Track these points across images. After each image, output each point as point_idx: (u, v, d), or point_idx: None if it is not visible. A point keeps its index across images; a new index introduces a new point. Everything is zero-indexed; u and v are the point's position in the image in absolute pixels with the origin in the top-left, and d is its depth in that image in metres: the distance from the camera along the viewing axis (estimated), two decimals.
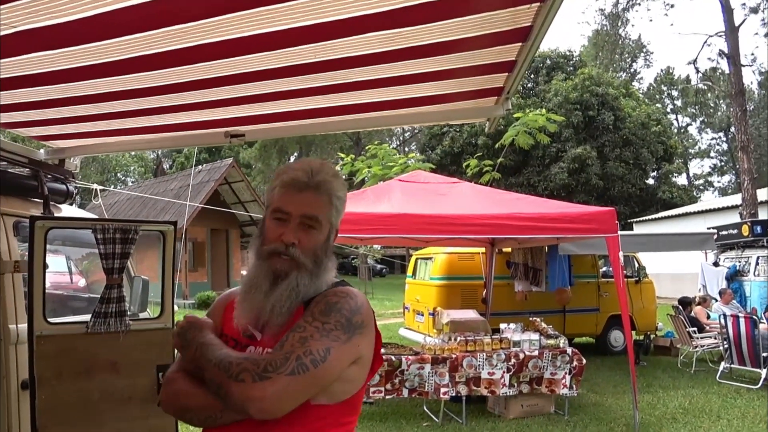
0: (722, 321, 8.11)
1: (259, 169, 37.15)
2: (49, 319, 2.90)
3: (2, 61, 2.19)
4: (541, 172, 28.84)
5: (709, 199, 38.90)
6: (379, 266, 37.14)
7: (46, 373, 2.85)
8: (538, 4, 1.83)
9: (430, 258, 9.75)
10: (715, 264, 12.85)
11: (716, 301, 10.48)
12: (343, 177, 1.70)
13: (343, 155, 14.39)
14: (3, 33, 1.93)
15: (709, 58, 50.96)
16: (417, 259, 10.62)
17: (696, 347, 8.82)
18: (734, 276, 12.03)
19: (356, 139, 35.73)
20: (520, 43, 2.13)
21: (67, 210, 3.72)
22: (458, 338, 6.11)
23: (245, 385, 1.19)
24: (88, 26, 1.88)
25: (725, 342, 8.09)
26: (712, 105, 46.90)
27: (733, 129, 42.76)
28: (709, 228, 13.29)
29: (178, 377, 1.37)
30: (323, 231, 1.40)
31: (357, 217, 5.53)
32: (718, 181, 49.07)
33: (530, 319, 7.04)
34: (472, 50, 2.17)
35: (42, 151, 3.50)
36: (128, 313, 3.15)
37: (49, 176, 3.45)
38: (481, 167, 12.16)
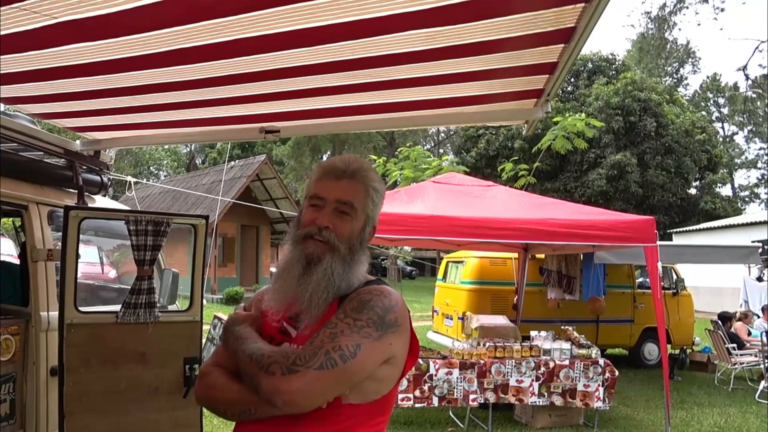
0: (764, 338, 7.84)
1: (291, 166, 37.43)
2: (79, 308, 2.94)
3: (42, 51, 2.21)
4: (579, 178, 28.31)
5: (754, 212, 37.59)
6: (408, 268, 37.03)
7: (75, 361, 2.89)
8: (582, 4, 1.76)
9: (462, 261, 9.65)
10: (759, 279, 12.41)
11: (758, 317, 10.12)
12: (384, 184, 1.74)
13: (375, 156, 14.34)
14: (44, 24, 1.95)
15: (760, 65, 49.05)
16: (448, 262, 10.53)
17: (735, 364, 8.51)
18: None
19: (390, 139, 35.70)
20: (562, 45, 2.06)
21: (101, 201, 3.77)
22: (487, 344, 6.02)
23: (274, 378, 1.20)
24: (128, 18, 1.89)
25: (766, 360, 7.79)
26: (761, 113, 45.27)
27: None
28: (753, 241, 12.84)
29: (213, 371, 1.39)
30: (359, 219, 1.40)
31: (389, 218, 5.49)
32: (766, 193, 47.35)
33: (562, 327, 6.90)
34: (514, 50, 2.11)
35: (78, 142, 3.55)
36: (158, 305, 3.17)
37: (84, 167, 3.51)
38: (516, 171, 11.98)
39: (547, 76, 2.36)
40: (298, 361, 1.21)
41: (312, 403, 1.22)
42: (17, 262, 3.73)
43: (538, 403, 5.91)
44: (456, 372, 5.70)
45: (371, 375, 1.30)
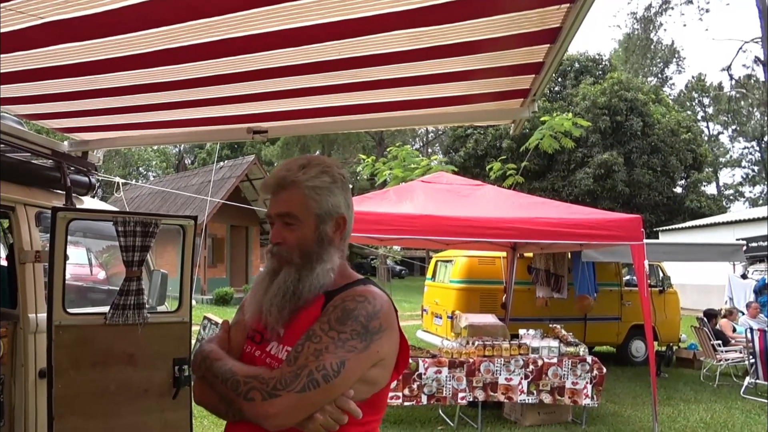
0: (748, 335, 7.91)
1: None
2: (68, 310, 2.92)
3: (29, 52, 2.21)
4: (566, 177, 28.49)
5: (739, 210, 38.03)
6: (398, 267, 37.07)
7: (64, 363, 2.87)
8: (567, 4, 1.78)
9: (451, 261, 9.68)
10: (743, 276, 12.57)
11: (743, 314, 10.24)
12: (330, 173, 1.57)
13: (364, 156, 14.36)
14: (30, 24, 1.94)
15: (743, 65, 49.58)
16: (437, 261, 10.56)
17: (720, 361, 8.62)
18: (763, 289, 11.74)
19: (379, 139, 35.71)
20: (548, 45, 2.08)
21: (89, 202, 3.75)
22: (476, 342, 6.05)
23: (255, 404, 1.23)
24: (115, 18, 1.89)
25: (751, 356, 7.89)
26: (745, 113, 45.83)
27: (767, 138, 41.68)
28: (738, 239, 12.99)
29: None
30: (305, 224, 1.40)
31: (377, 218, 5.50)
32: (750, 191, 47.91)
33: (550, 326, 6.94)
34: (499, 51, 2.13)
35: (66, 143, 3.54)
36: (146, 306, 3.16)
37: (72, 168, 3.49)
38: (504, 170, 12.05)
39: (534, 75, 2.38)
40: (278, 385, 1.23)
41: (297, 420, 1.24)
42: (5, 263, 3.70)
43: (527, 401, 5.94)
44: (445, 371, 5.72)
45: (362, 378, 1.31)
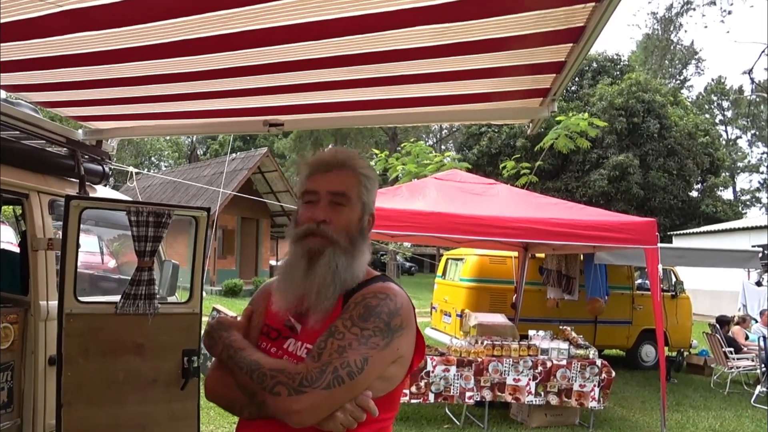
0: (761, 343, 7.83)
1: (292, 159, 37.29)
2: (79, 298, 2.92)
3: (46, 40, 2.20)
4: (580, 178, 28.27)
5: (755, 216, 37.56)
6: (408, 264, 37.04)
7: (74, 351, 2.88)
8: (593, 3, 1.74)
9: (461, 259, 9.64)
10: (758, 284, 12.41)
11: (756, 321, 10.12)
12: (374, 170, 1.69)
13: (377, 151, 14.33)
14: (48, 12, 1.93)
15: (765, 69, 48.87)
16: (448, 259, 10.52)
17: (731, 368, 8.52)
18: None
19: (392, 134, 35.64)
20: (571, 44, 2.04)
21: (102, 191, 3.76)
22: (485, 342, 6.02)
23: (281, 399, 1.21)
24: (133, 8, 1.87)
25: (763, 365, 7.80)
26: (765, 117, 45.16)
27: None
28: (754, 246, 12.83)
29: (221, 368, 1.38)
30: (354, 209, 1.39)
31: (389, 214, 5.48)
32: (767, 197, 47.27)
33: (560, 327, 6.90)
34: (522, 49, 2.09)
35: (80, 131, 3.54)
36: (157, 296, 3.16)
37: (86, 157, 3.50)
38: (518, 169, 11.97)
39: (555, 75, 2.34)
40: (305, 381, 1.21)
41: (321, 418, 1.23)
42: (17, 250, 3.72)
43: (534, 402, 5.91)
44: (453, 369, 5.70)
45: (379, 376, 1.30)
